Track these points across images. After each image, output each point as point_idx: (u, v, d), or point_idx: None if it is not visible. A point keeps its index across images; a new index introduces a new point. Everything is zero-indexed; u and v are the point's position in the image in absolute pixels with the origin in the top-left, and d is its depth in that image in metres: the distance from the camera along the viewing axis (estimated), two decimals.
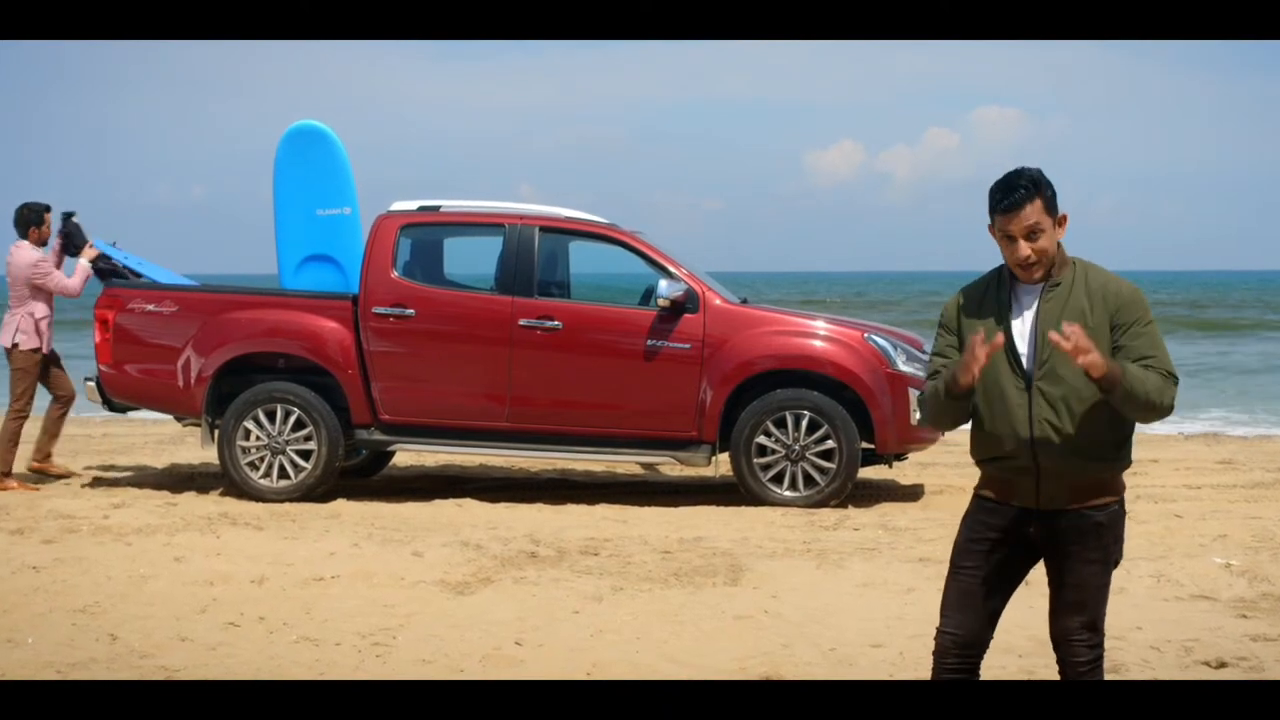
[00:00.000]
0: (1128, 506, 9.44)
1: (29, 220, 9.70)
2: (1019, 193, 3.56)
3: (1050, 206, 3.59)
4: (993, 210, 3.61)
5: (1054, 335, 3.44)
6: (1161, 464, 11.05)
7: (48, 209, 9.79)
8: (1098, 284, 3.60)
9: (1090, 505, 3.61)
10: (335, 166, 9.93)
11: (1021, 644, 5.33)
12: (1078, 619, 3.66)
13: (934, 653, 3.77)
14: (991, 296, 3.67)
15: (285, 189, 9.91)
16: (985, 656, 3.80)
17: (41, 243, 9.74)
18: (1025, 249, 3.56)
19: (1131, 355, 3.55)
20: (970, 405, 3.65)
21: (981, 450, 3.69)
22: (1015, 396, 3.58)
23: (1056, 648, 3.72)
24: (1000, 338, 3.54)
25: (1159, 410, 3.54)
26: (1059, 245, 3.64)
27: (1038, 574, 3.83)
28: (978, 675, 3.77)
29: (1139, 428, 3.71)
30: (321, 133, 9.94)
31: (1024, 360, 3.59)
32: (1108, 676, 4.92)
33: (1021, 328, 3.61)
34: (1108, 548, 3.65)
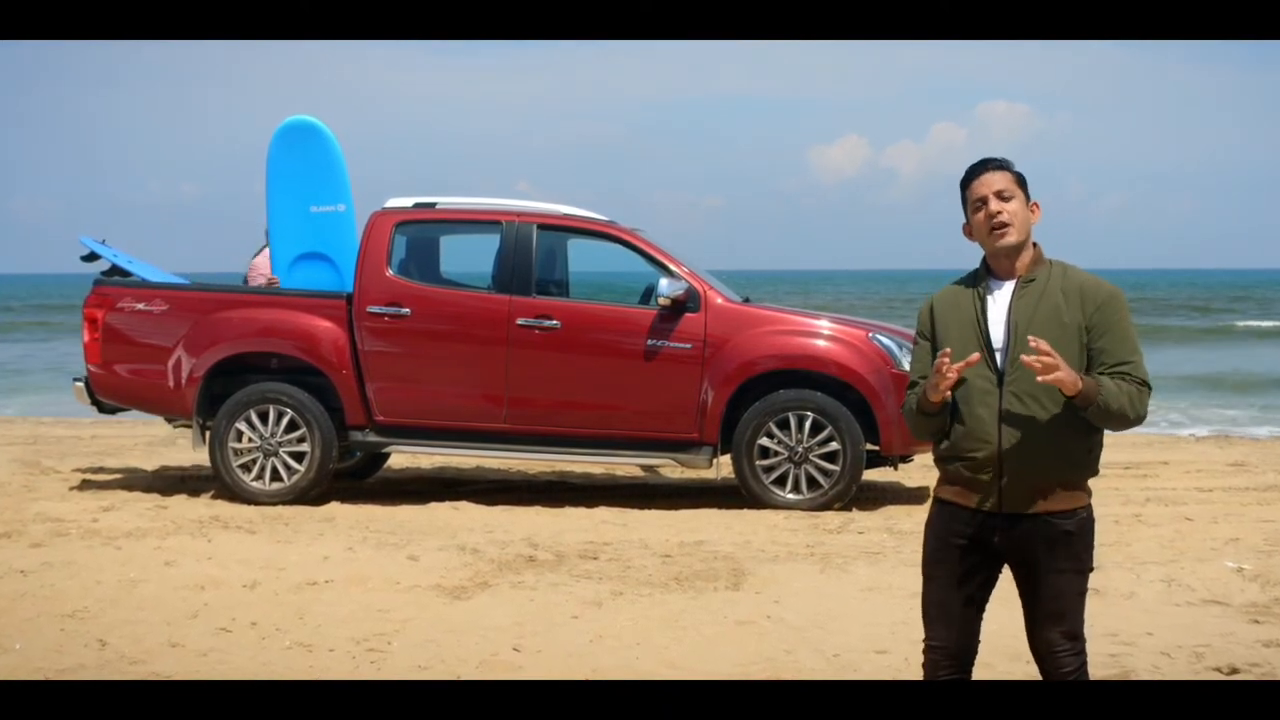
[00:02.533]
0: (1138, 509, 9.47)
1: None
2: (991, 163, 3.71)
3: (1020, 183, 3.69)
4: (964, 184, 3.72)
5: (1026, 356, 3.44)
6: (1172, 466, 11.06)
7: None
8: (1074, 282, 3.63)
9: (1055, 512, 3.59)
10: (329, 162, 9.94)
11: (1028, 650, 5.32)
12: (1058, 630, 3.64)
13: (924, 665, 3.77)
14: (967, 295, 3.70)
15: (278, 185, 9.92)
16: (994, 663, 3.80)
17: None
18: (996, 204, 3.63)
19: (1107, 360, 3.56)
20: (947, 418, 3.66)
21: (945, 446, 3.68)
22: (985, 393, 3.59)
23: (1040, 661, 3.70)
24: (976, 356, 3.54)
25: (1131, 422, 3.57)
26: (1035, 246, 3.68)
27: None
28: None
29: (1143, 429, 3.71)
30: (315, 128, 9.95)
31: (997, 355, 3.60)
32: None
33: (994, 325, 3.63)
34: (1079, 555, 3.63)
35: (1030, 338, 3.46)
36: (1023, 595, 3.71)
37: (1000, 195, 3.64)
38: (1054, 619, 3.64)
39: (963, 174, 3.74)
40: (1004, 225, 3.62)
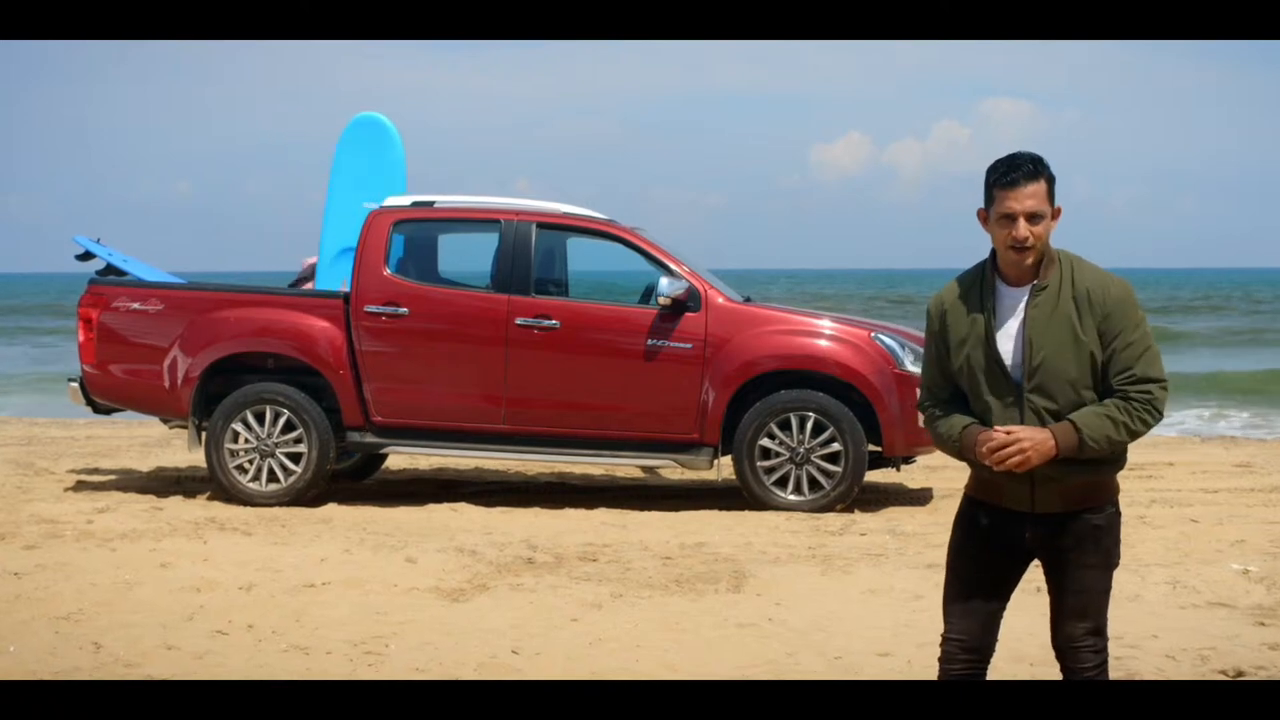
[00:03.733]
0: (1143, 511, 9.48)
1: None
2: (1027, 167, 3.55)
3: (1051, 194, 3.57)
4: (994, 185, 3.57)
5: (991, 452, 3.50)
6: (1178, 467, 11.05)
7: None
8: (1084, 285, 3.56)
9: (1086, 509, 3.60)
10: (390, 161, 10.00)
11: (1034, 652, 5.33)
12: (1082, 625, 3.65)
13: (940, 659, 3.78)
14: (975, 298, 3.63)
15: (339, 180, 10.01)
16: (996, 664, 3.80)
17: None
18: (1024, 229, 3.51)
19: (1115, 366, 3.53)
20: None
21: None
22: (1004, 408, 3.56)
23: (1061, 655, 3.71)
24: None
25: (1136, 437, 3.56)
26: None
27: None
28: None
29: (1152, 430, 3.70)
30: (382, 125, 10.05)
31: (1011, 371, 3.57)
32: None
33: (1006, 338, 3.58)
34: (1107, 551, 3.64)
35: (994, 441, 3.50)
36: (1050, 589, 3.72)
37: (1032, 217, 3.51)
38: (1078, 614, 3.65)
39: (994, 167, 3.58)
40: (1027, 250, 3.54)
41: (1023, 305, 3.58)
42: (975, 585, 3.70)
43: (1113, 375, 3.54)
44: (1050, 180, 3.57)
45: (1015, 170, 3.54)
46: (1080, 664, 3.65)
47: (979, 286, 3.64)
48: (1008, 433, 3.49)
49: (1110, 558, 3.65)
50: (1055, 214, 3.59)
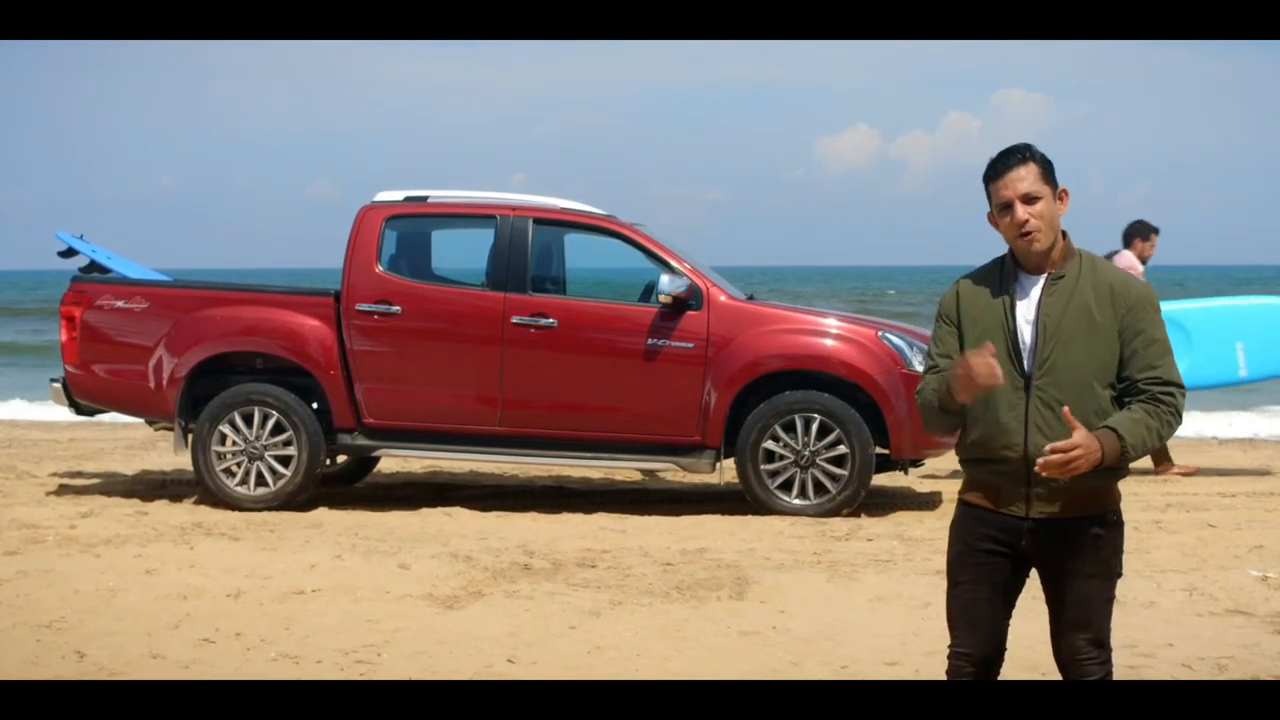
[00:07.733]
0: (1159, 515, 9.48)
1: (1134, 234, 10.94)
2: (1013, 157, 3.62)
3: (1047, 175, 3.62)
4: (987, 180, 3.65)
5: (1043, 461, 3.43)
6: None
7: (1156, 230, 10.93)
8: (1105, 279, 3.61)
9: (1085, 516, 3.60)
10: None
11: (1044, 661, 5.32)
12: (1083, 637, 3.65)
13: (947, 673, 3.78)
14: (994, 287, 3.67)
15: None
16: (1003, 672, 3.81)
17: (1142, 258, 10.85)
18: (1023, 212, 3.57)
19: (1136, 365, 3.56)
20: (964, 416, 3.66)
21: (970, 450, 3.69)
22: (1011, 395, 3.58)
23: (1063, 669, 3.72)
24: (990, 346, 3.51)
25: (1163, 441, 3.61)
26: (1065, 236, 3.66)
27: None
28: None
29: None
30: None
31: (1024, 356, 3.59)
32: None
33: (1024, 322, 3.61)
34: (1107, 560, 3.64)
35: (1049, 447, 3.44)
36: (1049, 600, 3.72)
37: (1027, 199, 3.57)
38: (1079, 625, 3.65)
39: (985, 166, 3.66)
40: (1032, 232, 3.58)
41: (1039, 293, 3.61)
42: (977, 595, 3.70)
43: (1136, 371, 3.56)
44: (1043, 163, 3.62)
45: (1002, 161, 3.63)
46: (1084, 677, 3.66)
47: (998, 274, 3.70)
48: (1068, 446, 3.43)
49: (1110, 568, 3.65)
50: (1061, 196, 3.64)
